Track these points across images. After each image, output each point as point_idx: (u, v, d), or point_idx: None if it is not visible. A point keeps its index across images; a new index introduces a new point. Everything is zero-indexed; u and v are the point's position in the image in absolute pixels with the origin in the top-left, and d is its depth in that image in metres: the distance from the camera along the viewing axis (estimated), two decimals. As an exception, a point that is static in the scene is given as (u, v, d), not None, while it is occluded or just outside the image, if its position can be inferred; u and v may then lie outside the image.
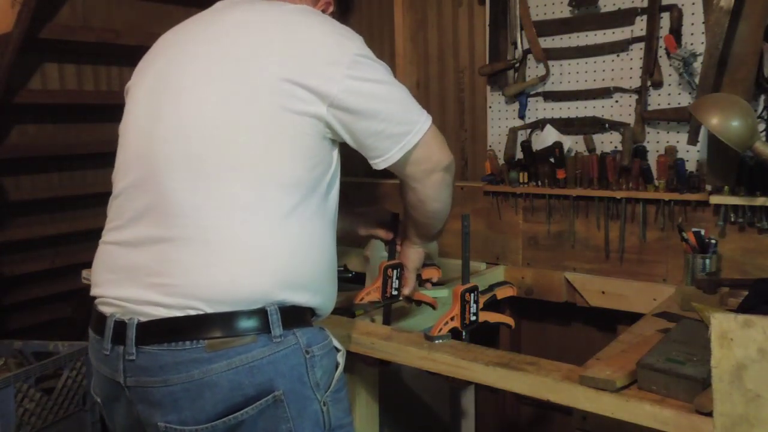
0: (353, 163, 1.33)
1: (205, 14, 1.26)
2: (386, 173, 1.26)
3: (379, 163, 1.22)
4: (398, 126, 1.18)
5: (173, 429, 1.07)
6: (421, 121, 1.21)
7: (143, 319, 1.08)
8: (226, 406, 1.05)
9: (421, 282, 1.62)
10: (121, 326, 1.10)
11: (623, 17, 1.94)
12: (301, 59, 1.12)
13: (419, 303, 1.62)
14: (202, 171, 1.09)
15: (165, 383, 1.06)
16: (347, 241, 1.54)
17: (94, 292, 1.19)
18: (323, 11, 1.33)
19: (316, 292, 1.17)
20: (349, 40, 1.17)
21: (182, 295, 1.06)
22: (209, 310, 1.06)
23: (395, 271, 1.56)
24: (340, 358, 1.20)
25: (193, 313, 1.06)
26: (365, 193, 2.56)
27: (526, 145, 2.06)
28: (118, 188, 1.20)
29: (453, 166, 1.31)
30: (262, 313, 1.08)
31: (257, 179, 1.09)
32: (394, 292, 1.56)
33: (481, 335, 1.48)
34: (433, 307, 1.60)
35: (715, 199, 1.74)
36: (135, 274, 1.11)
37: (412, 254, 1.54)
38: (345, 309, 1.67)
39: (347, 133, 1.16)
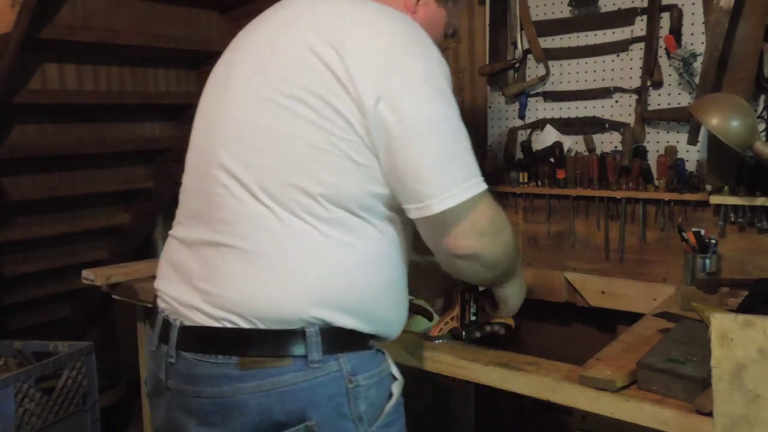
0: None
1: (278, 7, 1.14)
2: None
3: None
4: None
5: None
6: None
7: (186, 322, 1.05)
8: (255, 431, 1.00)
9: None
10: (167, 325, 1.08)
11: (623, 17, 1.94)
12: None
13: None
14: (249, 179, 1.02)
15: (198, 394, 1.02)
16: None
17: (155, 283, 1.17)
18: None
19: (367, 317, 1.06)
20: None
21: (221, 305, 1.01)
22: (245, 325, 1.00)
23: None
24: (395, 388, 1.10)
25: (229, 325, 1.01)
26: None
27: (526, 145, 2.06)
28: (183, 184, 1.17)
29: None
30: (300, 335, 1.00)
31: (306, 193, 1.00)
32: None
33: (481, 335, 1.48)
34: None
35: (715, 199, 1.74)
36: (185, 274, 1.08)
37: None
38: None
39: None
